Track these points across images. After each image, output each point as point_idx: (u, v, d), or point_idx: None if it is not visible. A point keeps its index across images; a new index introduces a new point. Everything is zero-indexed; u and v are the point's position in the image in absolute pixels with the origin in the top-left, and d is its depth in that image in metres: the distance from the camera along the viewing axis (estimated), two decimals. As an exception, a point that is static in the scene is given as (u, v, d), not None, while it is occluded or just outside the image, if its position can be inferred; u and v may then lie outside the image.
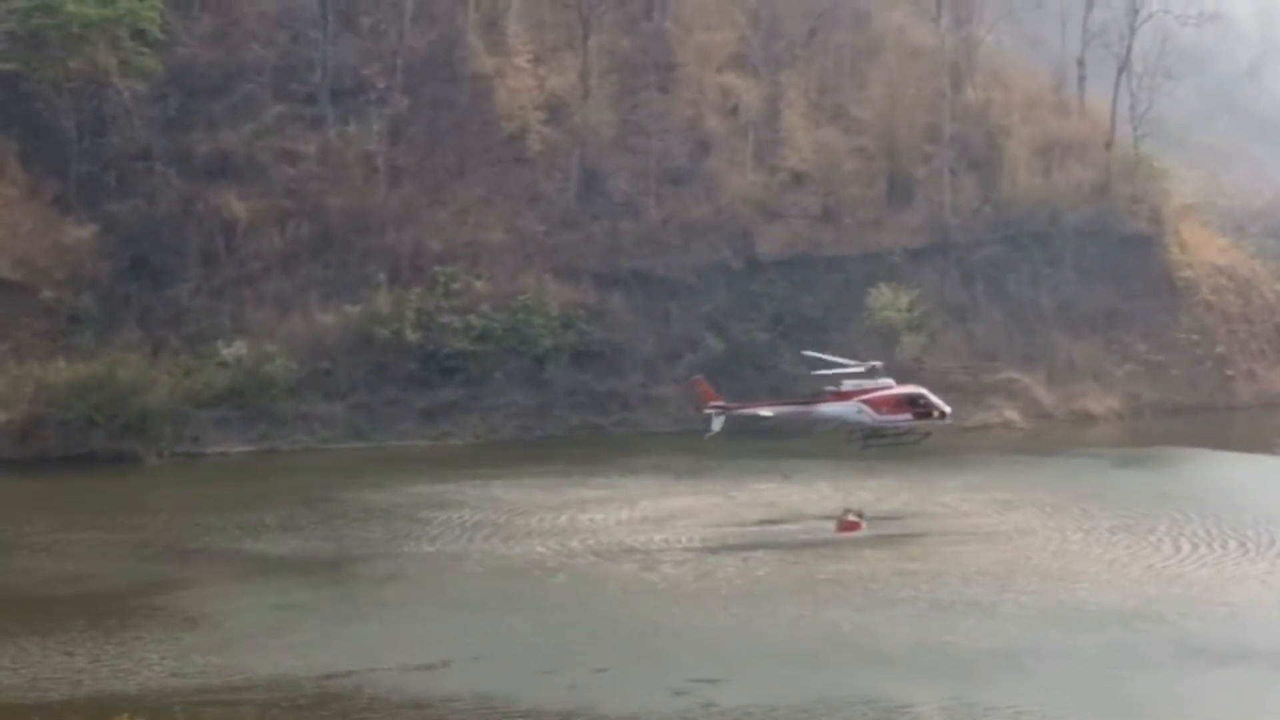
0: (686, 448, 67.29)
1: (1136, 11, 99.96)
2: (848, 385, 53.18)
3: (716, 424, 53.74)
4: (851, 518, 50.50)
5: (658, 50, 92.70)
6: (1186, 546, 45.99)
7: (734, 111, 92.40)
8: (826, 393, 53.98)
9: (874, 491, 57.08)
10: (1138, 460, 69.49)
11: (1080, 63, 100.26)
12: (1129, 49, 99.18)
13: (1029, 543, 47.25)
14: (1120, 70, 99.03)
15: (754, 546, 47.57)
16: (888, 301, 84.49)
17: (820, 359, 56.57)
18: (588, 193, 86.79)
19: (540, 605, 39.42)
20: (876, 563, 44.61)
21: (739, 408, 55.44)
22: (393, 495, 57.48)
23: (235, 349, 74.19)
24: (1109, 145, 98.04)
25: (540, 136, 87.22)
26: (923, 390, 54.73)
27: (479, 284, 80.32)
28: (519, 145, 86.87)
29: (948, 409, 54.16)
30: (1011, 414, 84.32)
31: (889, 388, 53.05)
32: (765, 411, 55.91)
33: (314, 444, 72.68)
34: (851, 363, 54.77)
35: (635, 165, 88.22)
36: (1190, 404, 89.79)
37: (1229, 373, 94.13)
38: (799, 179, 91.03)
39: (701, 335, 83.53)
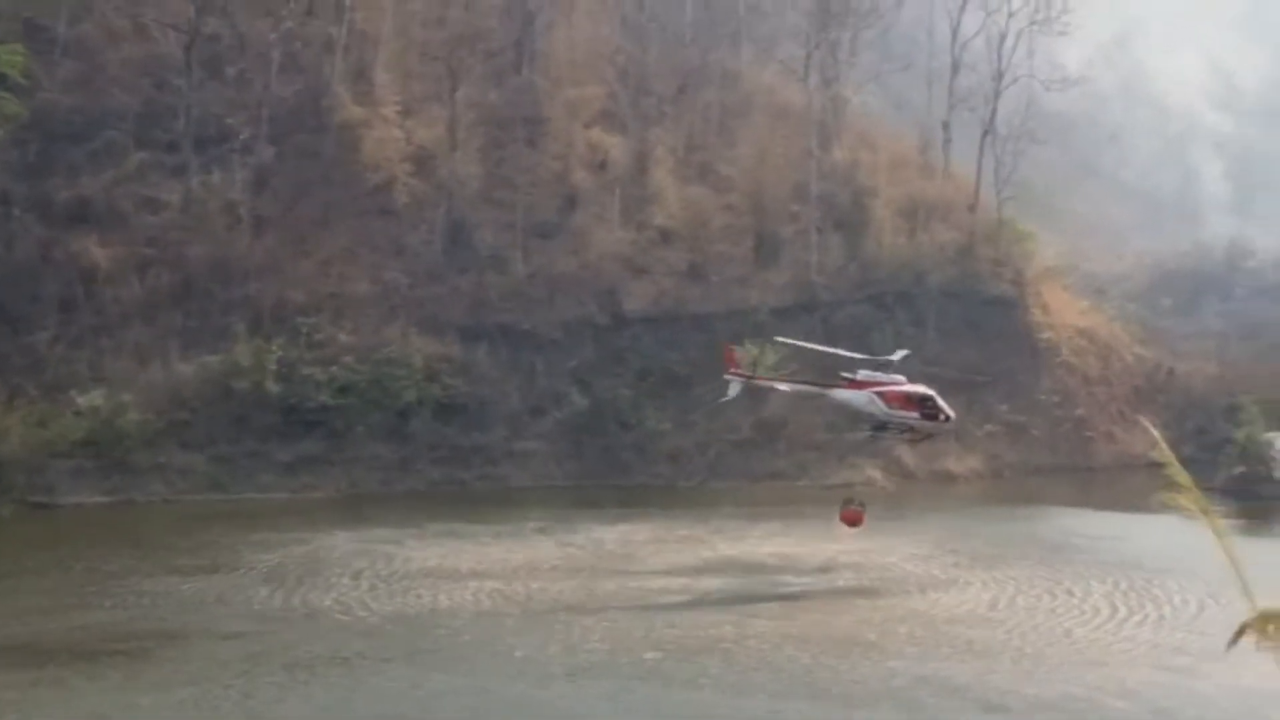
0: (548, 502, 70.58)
1: (1001, 75, 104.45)
2: (863, 375, 55.77)
3: (733, 390, 57.04)
4: (854, 507, 53.61)
5: (526, 104, 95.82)
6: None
7: (602, 167, 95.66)
8: (843, 379, 56.43)
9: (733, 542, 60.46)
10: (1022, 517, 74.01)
11: (945, 125, 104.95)
12: (994, 112, 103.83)
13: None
14: (985, 134, 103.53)
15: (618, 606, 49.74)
16: (754, 359, 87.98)
17: (827, 351, 59.89)
18: (454, 245, 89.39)
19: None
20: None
21: (758, 379, 59.34)
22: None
23: (91, 398, 75.18)
24: (973, 208, 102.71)
25: (407, 188, 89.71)
26: (933, 392, 57.11)
27: (342, 336, 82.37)
28: (385, 196, 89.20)
29: (952, 414, 57.21)
30: (874, 473, 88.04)
31: (901, 384, 56.04)
32: (783, 387, 60.24)
33: (171, 495, 73.83)
34: (863, 356, 57.85)
35: (502, 219, 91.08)
36: (1050, 464, 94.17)
37: (1088, 434, 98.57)
38: (666, 236, 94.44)
39: (567, 390, 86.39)
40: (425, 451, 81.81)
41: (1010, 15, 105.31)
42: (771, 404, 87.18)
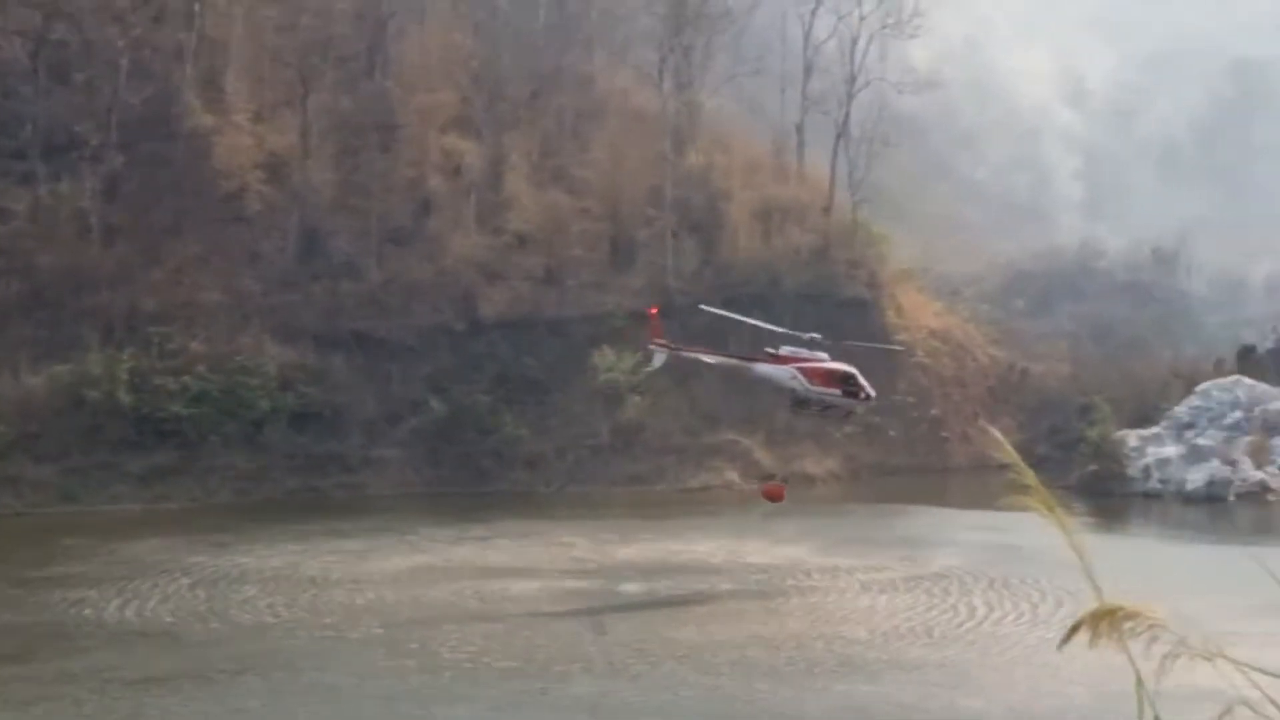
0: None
1: (854, 79, 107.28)
2: (785, 350, 57.76)
3: (657, 360, 59.40)
4: (776, 483, 55.57)
5: (379, 110, 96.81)
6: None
7: (457, 172, 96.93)
8: (765, 354, 58.36)
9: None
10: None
11: (799, 129, 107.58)
12: (847, 115, 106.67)
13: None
14: (838, 137, 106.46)
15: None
16: (611, 363, 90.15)
17: (759, 325, 62.02)
18: (307, 253, 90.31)
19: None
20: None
21: (684, 349, 60.35)
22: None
23: (-62, 411, 75.79)
24: (827, 210, 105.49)
25: (259, 195, 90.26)
26: (854, 370, 59.16)
27: (195, 345, 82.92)
28: (237, 204, 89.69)
29: (873, 393, 59.24)
30: (732, 475, 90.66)
31: (824, 361, 57.87)
32: (708, 359, 61.44)
33: (23, 508, 73.78)
34: (790, 332, 59.37)
35: (356, 225, 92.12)
36: (907, 465, 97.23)
37: (944, 435, 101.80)
38: (522, 241, 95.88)
39: (423, 397, 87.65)
40: (281, 460, 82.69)
41: (862, 19, 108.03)
42: (629, 409, 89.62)
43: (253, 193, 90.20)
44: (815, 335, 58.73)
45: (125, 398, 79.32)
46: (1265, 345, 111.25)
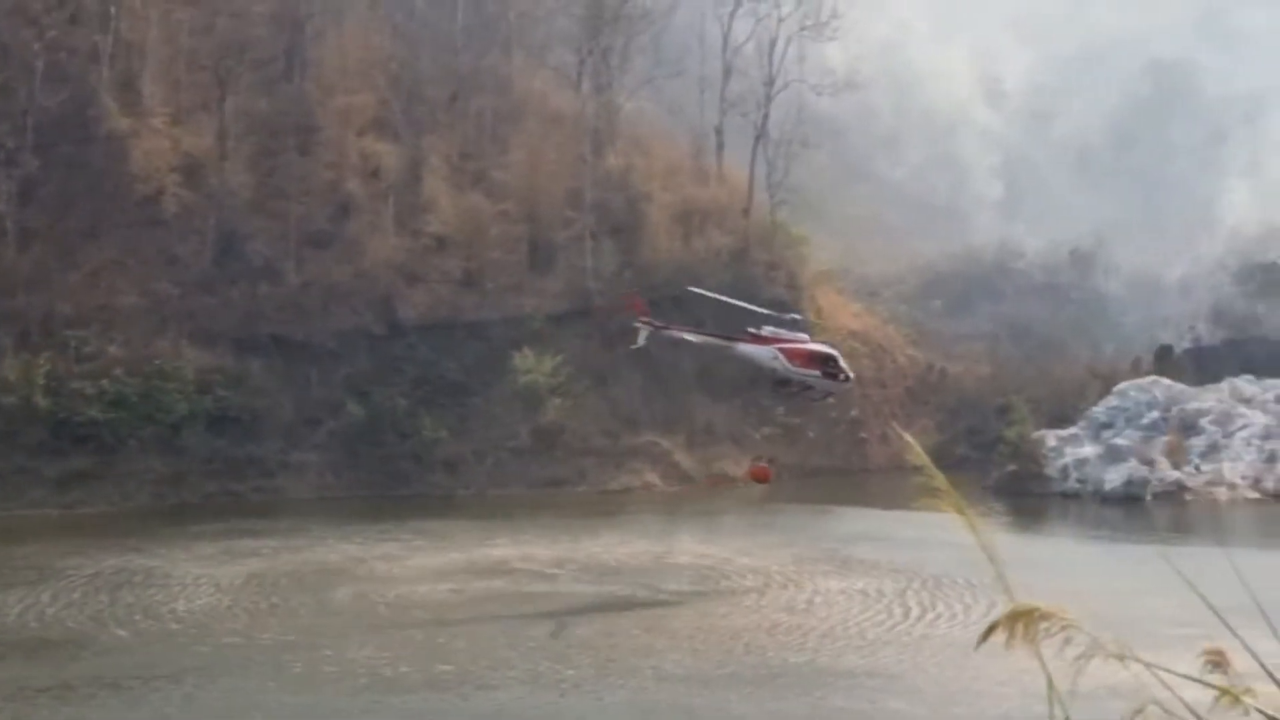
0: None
1: (772, 81, 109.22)
2: (768, 331, 59.65)
3: (642, 337, 61.03)
4: (763, 464, 57.23)
5: (297, 112, 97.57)
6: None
7: (375, 175, 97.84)
8: (747, 334, 60.20)
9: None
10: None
11: (718, 130, 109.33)
12: (765, 117, 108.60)
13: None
14: (757, 138, 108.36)
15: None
16: (531, 366, 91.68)
17: (739, 305, 63.58)
18: (225, 256, 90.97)
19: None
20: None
21: (666, 328, 62.19)
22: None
23: None
24: (747, 212, 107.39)
25: (176, 198, 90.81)
26: (835, 352, 61.38)
27: (112, 349, 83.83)
28: (154, 207, 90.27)
29: (852, 375, 61.05)
30: (652, 477, 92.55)
31: (805, 342, 59.66)
32: (691, 337, 63.33)
33: (-63, 514, 74.21)
34: (771, 313, 61.80)
35: (274, 228, 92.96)
36: (826, 466, 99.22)
37: (863, 436, 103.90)
38: (441, 243, 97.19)
39: (342, 400, 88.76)
40: (199, 465, 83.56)
41: (780, 21, 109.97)
42: (549, 411, 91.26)
43: (170, 196, 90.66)
44: (795, 315, 60.90)
45: (42, 402, 79.98)
46: (1182, 345, 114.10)
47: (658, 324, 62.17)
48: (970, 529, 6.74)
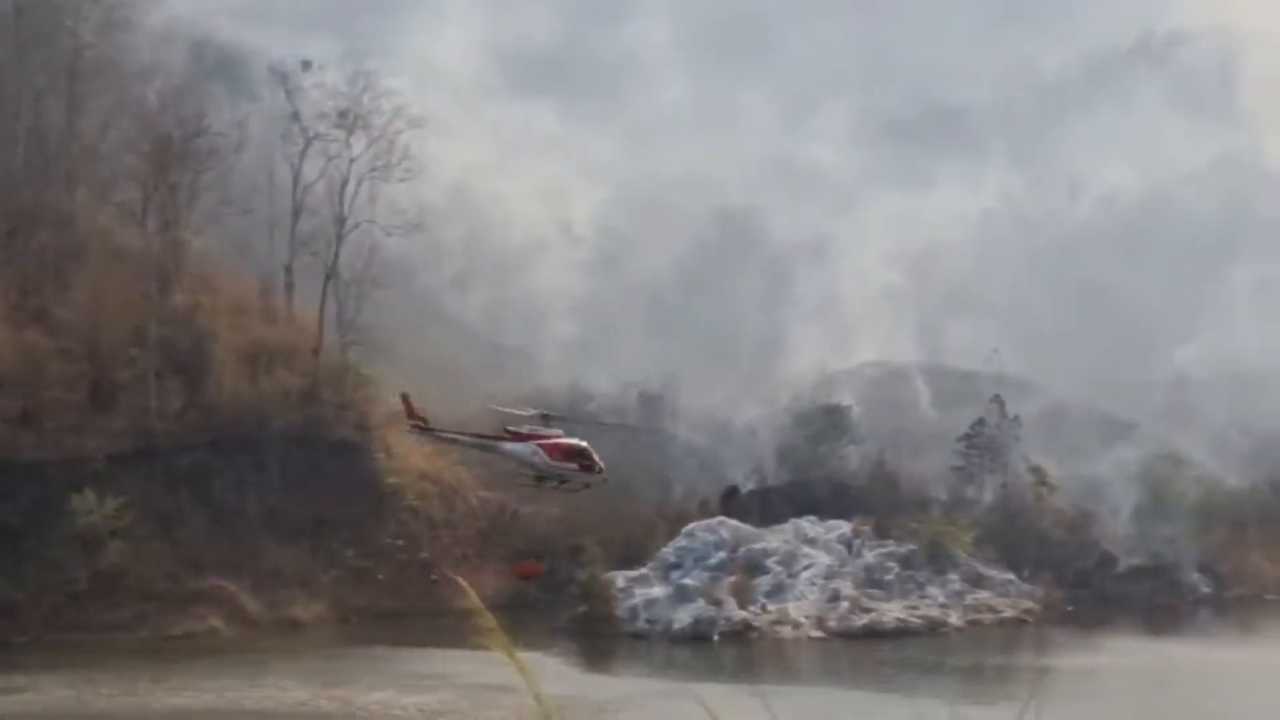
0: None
1: (343, 220, 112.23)
2: (526, 429, 64.30)
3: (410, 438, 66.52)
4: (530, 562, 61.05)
5: None
6: None
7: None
8: (508, 432, 64.99)
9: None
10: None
11: (288, 269, 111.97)
12: (336, 256, 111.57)
13: None
14: (327, 278, 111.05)
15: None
16: (91, 507, 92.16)
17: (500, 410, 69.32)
18: None
19: None
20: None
21: (438, 431, 69.19)
22: None
23: None
24: (317, 352, 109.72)
25: None
26: (586, 445, 65.88)
27: None
28: None
29: (604, 467, 65.65)
30: (217, 622, 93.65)
31: (559, 437, 64.22)
32: (462, 438, 70.77)
33: None
34: (525, 411, 66.75)
35: None
36: (398, 608, 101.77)
37: (434, 577, 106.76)
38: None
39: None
40: None
41: (352, 161, 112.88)
42: (110, 553, 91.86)
43: None
44: (545, 411, 66.50)
45: None
46: (748, 486, 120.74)
47: (430, 427, 68.84)
48: (519, 670, 7.70)
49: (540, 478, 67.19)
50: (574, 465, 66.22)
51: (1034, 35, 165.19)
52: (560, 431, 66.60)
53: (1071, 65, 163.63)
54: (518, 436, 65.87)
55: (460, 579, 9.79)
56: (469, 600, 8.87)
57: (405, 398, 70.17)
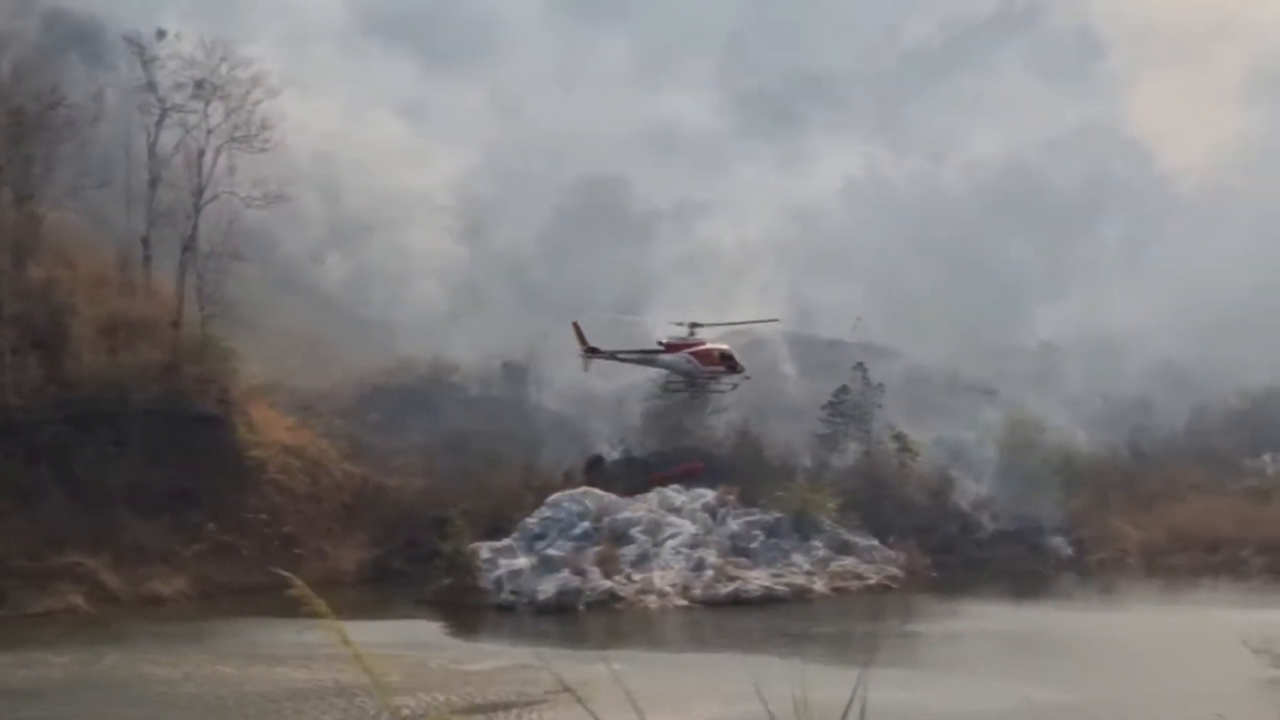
0: None
1: (201, 192, 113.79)
2: (676, 339, 76.80)
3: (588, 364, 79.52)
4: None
5: None
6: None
7: None
8: (660, 345, 77.32)
9: None
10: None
11: (145, 242, 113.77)
12: (195, 228, 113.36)
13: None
14: (185, 250, 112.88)
15: None
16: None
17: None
18: None
19: None
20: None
21: (608, 353, 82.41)
22: None
23: None
24: (176, 325, 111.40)
25: None
26: (729, 349, 78.57)
27: None
28: None
29: (744, 367, 78.20)
30: (77, 599, 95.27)
31: (704, 343, 76.39)
32: (623, 356, 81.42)
33: None
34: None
35: None
36: (262, 583, 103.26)
37: (298, 551, 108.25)
38: None
39: None
40: None
41: (210, 132, 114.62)
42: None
43: None
44: (695, 323, 75.42)
45: None
46: (613, 456, 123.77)
47: (592, 349, 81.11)
48: (343, 643, 8.24)
49: (693, 382, 76.94)
50: (722, 368, 76.71)
51: (896, 2, 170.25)
52: (704, 339, 76.85)
53: (933, 33, 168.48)
54: (671, 348, 75.40)
55: (289, 575, 10.59)
56: (299, 588, 9.54)
57: (576, 325, 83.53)
